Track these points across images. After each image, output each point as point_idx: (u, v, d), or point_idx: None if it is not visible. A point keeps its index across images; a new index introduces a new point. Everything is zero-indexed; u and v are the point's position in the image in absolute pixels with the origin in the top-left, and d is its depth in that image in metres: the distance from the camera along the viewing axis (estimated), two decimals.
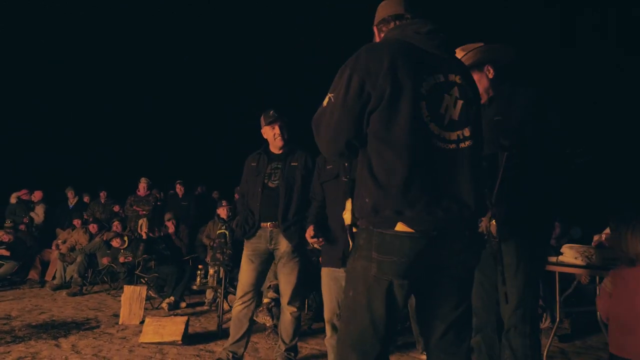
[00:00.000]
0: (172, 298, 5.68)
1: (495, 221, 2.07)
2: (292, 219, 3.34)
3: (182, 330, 4.05)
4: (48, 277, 7.29)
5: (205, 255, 6.71)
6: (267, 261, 3.50)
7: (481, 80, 2.40)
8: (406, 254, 1.51)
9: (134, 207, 8.14)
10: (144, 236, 7.08)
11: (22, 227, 7.93)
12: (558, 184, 2.40)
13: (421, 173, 1.51)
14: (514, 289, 2.25)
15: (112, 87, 14.40)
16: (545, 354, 3.60)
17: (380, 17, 1.83)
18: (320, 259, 3.39)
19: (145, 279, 6.09)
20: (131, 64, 14.36)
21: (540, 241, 2.37)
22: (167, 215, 7.32)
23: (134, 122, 14.39)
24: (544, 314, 4.50)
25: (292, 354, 3.48)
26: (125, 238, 7.00)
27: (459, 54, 2.37)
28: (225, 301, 4.82)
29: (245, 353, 3.49)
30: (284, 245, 3.36)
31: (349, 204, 1.83)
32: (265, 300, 4.40)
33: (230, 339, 3.43)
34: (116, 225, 7.34)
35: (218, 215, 6.28)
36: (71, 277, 6.80)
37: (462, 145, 1.59)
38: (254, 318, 3.59)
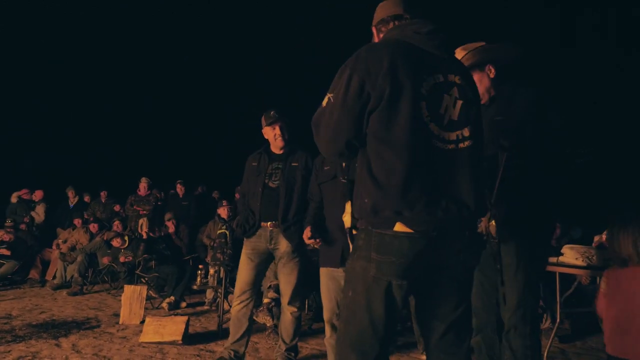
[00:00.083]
0: (172, 298, 5.69)
1: (495, 221, 2.07)
2: (292, 219, 3.34)
3: (183, 330, 4.05)
4: (48, 277, 7.30)
5: (205, 255, 6.71)
6: (266, 260, 3.50)
7: (482, 80, 2.40)
8: (405, 255, 1.51)
9: (135, 207, 8.15)
10: (145, 236, 7.10)
11: (22, 226, 7.95)
12: (558, 184, 2.40)
13: (421, 173, 1.51)
14: (514, 290, 2.25)
15: (112, 87, 14.40)
16: (545, 354, 3.60)
17: (379, 17, 1.83)
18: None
19: (146, 279, 6.10)
20: (131, 64, 14.36)
21: (541, 241, 2.37)
22: (168, 215, 7.33)
23: (134, 122, 14.39)
24: (545, 315, 4.50)
25: (293, 354, 3.48)
26: (126, 238, 7.01)
27: (460, 53, 2.37)
28: (225, 301, 4.82)
29: (245, 352, 3.49)
30: (284, 246, 3.36)
31: (348, 206, 1.84)
32: (266, 300, 4.40)
33: (231, 339, 3.43)
34: (117, 225, 7.35)
35: (218, 215, 6.28)
36: (72, 277, 6.80)
37: (461, 145, 1.59)
38: (254, 318, 3.59)
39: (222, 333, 4.37)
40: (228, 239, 5.19)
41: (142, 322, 4.53)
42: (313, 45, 13.06)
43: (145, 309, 5.03)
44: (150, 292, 5.82)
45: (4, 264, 7.06)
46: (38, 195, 8.91)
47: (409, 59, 1.58)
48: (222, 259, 5.06)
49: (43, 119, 13.67)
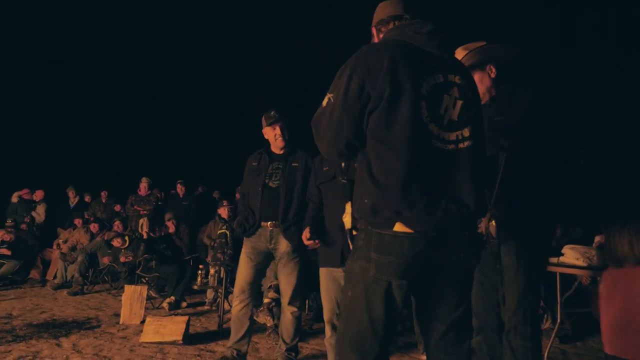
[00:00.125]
0: (172, 298, 5.69)
1: (495, 222, 2.07)
2: (292, 219, 3.34)
3: (183, 329, 4.05)
4: (49, 277, 7.30)
5: (206, 255, 6.71)
6: (265, 260, 3.50)
7: (483, 80, 2.40)
8: (405, 255, 1.51)
9: (135, 207, 8.15)
10: (145, 236, 7.10)
11: (23, 226, 7.95)
12: (558, 184, 2.40)
13: (420, 173, 1.51)
14: (514, 290, 2.25)
15: (112, 87, 14.41)
16: (546, 355, 3.59)
17: (379, 17, 1.83)
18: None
19: (146, 279, 6.10)
20: (131, 64, 14.36)
21: (541, 241, 2.37)
22: (168, 215, 7.34)
23: (134, 122, 14.41)
24: (545, 315, 4.50)
25: (293, 354, 3.48)
26: (126, 238, 7.01)
27: (461, 53, 2.37)
28: (226, 301, 4.82)
29: (247, 352, 3.49)
30: (284, 246, 3.36)
31: (348, 207, 1.83)
32: (266, 300, 4.41)
33: (232, 338, 3.43)
34: (117, 225, 7.35)
35: (219, 215, 6.28)
36: (72, 277, 6.81)
37: (461, 145, 1.58)
38: (255, 318, 3.59)
39: (222, 333, 4.37)
40: (228, 239, 5.20)
41: (143, 322, 4.53)
42: (313, 45, 13.07)
43: (146, 309, 5.04)
44: (150, 292, 5.82)
45: (4, 263, 7.07)
46: (39, 195, 8.92)
47: (409, 59, 1.58)
48: (222, 259, 5.06)
49: (43, 119, 13.68)
